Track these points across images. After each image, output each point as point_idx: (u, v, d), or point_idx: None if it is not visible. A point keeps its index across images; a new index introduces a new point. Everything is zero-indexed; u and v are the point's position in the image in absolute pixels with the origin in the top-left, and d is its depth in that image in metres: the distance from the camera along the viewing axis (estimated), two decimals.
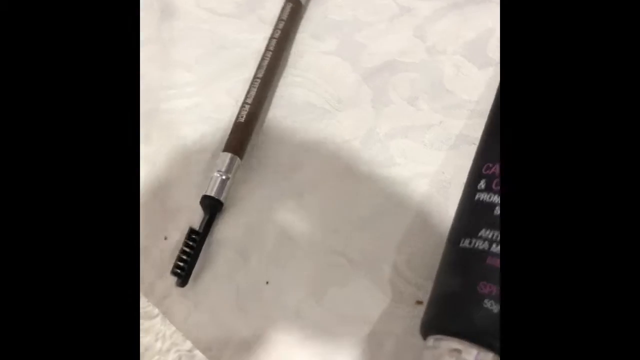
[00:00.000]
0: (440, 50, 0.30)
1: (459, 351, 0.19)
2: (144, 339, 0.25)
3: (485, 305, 0.20)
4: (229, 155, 0.28)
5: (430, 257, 0.24)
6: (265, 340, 0.24)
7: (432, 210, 0.26)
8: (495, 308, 0.20)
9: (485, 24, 0.30)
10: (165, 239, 0.28)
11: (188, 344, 0.25)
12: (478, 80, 0.28)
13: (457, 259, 0.21)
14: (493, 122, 0.25)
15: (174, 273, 0.25)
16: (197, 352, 0.25)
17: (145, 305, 0.26)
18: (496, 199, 0.22)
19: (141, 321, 0.26)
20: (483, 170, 0.23)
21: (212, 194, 0.27)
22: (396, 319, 0.24)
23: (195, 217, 0.27)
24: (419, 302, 0.24)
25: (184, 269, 0.25)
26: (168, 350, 0.25)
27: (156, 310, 0.26)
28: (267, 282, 0.25)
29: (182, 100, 0.32)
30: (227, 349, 0.24)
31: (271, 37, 0.32)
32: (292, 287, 0.25)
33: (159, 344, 0.25)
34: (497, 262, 0.20)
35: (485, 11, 0.31)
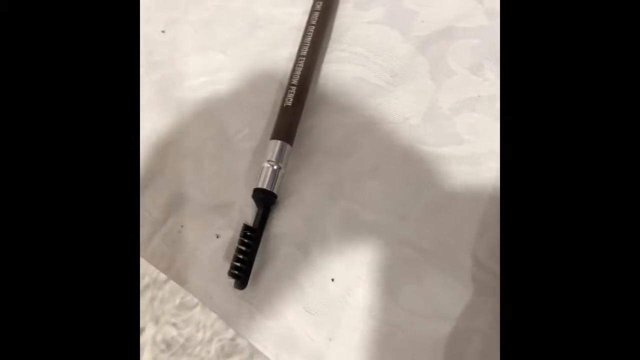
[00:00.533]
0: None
1: None
2: (184, 330, 0.24)
3: None
4: (278, 142, 0.26)
5: None
6: (339, 345, 0.22)
7: None
8: None
9: None
10: (218, 237, 0.26)
11: (230, 332, 0.23)
12: None
13: None
14: None
15: (231, 275, 0.23)
16: (241, 340, 0.23)
17: (184, 294, 0.24)
18: None
19: (181, 312, 0.24)
20: None
21: (265, 186, 0.25)
22: (481, 313, 0.21)
23: (248, 212, 0.25)
24: None
25: (242, 270, 0.23)
26: (210, 340, 0.23)
27: (195, 300, 0.24)
28: (332, 280, 0.23)
29: (219, 86, 0.30)
30: (298, 354, 0.22)
31: (312, 10, 0.29)
32: (362, 285, 0.23)
33: (200, 334, 0.24)
34: None
35: None
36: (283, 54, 0.29)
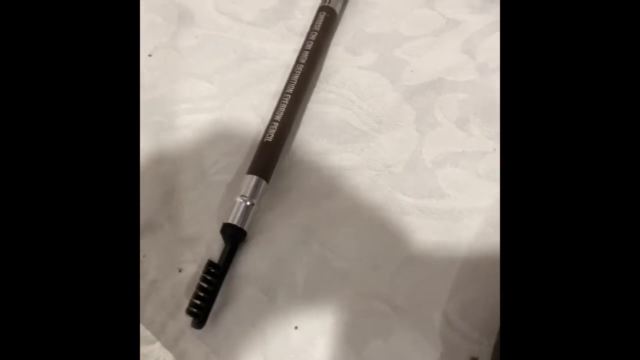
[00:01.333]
0: (493, 69, 0.27)
1: None
2: None
3: None
4: (254, 178, 0.25)
5: (486, 306, 0.21)
6: None
7: (487, 250, 0.23)
8: None
9: None
10: (180, 271, 0.24)
11: None
12: None
13: None
14: None
15: (189, 312, 0.22)
16: None
17: (143, 329, 0.23)
18: None
19: (142, 346, 0.23)
20: None
21: (235, 222, 0.24)
22: None
23: (215, 247, 0.24)
24: (474, 359, 0.20)
25: (201, 308, 0.22)
26: None
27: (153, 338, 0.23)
28: (295, 327, 0.22)
29: (200, 114, 0.29)
30: None
31: (302, 49, 0.29)
32: (326, 337, 0.22)
33: None
34: None
35: None
36: (270, 89, 0.29)
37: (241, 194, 0.24)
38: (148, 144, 0.28)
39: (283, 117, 0.26)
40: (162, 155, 0.28)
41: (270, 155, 0.25)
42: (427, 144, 0.25)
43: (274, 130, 0.26)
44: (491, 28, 0.28)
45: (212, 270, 0.23)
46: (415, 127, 0.26)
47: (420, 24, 0.30)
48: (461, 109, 0.26)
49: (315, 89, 0.29)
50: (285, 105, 0.27)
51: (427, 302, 0.22)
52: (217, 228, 0.24)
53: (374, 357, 0.21)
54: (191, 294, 0.23)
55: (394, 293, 0.22)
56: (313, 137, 0.27)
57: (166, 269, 0.24)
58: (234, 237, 0.24)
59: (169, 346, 0.23)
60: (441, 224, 0.23)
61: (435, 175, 0.24)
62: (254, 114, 0.28)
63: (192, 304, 0.22)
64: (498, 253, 0.22)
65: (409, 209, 0.24)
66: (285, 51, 0.30)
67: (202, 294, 0.22)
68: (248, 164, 0.26)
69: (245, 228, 0.24)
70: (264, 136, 0.26)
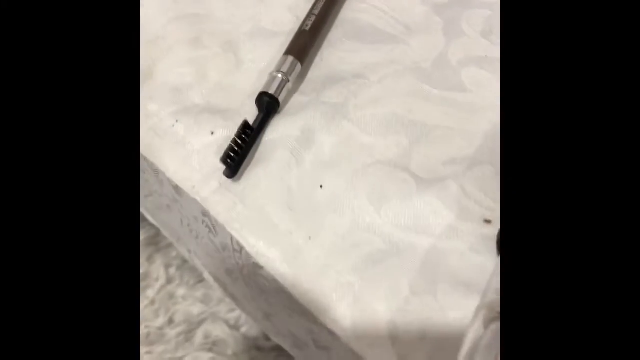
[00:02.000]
0: None
1: None
2: None
3: None
4: (290, 57, 0.26)
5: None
6: (317, 245, 0.22)
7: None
8: None
9: None
10: (212, 134, 0.26)
11: None
12: None
13: None
14: None
15: (223, 161, 0.23)
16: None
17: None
18: None
19: None
20: None
21: (271, 91, 0.25)
22: (461, 235, 0.22)
23: (248, 118, 0.25)
24: (487, 221, 0.22)
25: (234, 159, 0.23)
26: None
27: None
28: (321, 186, 0.24)
29: (240, 10, 0.30)
30: (275, 247, 0.22)
31: None
32: (349, 194, 0.23)
33: None
34: None
35: None
36: None
37: (278, 69, 0.26)
38: (183, 29, 0.29)
39: (320, 11, 0.28)
40: (200, 40, 0.29)
41: (306, 41, 0.27)
42: (453, 47, 0.27)
43: (311, 21, 0.28)
44: None
45: (247, 130, 0.24)
46: (443, 34, 0.28)
47: None
48: (486, 22, 0.28)
49: (348, 1, 0.31)
50: (321, 3, 0.28)
51: (445, 174, 0.23)
52: (250, 103, 0.26)
53: (391, 214, 0.22)
54: (222, 155, 0.24)
55: (415, 165, 0.24)
56: (345, 36, 0.29)
57: (199, 131, 0.26)
58: (269, 104, 0.25)
59: (196, 195, 0.24)
60: (462, 114, 0.25)
61: (459, 73, 0.26)
62: (289, 13, 0.30)
63: (226, 154, 0.23)
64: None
65: (434, 99, 0.26)
66: None
67: (236, 148, 0.24)
68: (281, 55, 0.27)
69: (279, 99, 0.25)
70: (302, 25, 0.28)
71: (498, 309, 0.18)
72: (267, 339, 0.42)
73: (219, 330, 0.46)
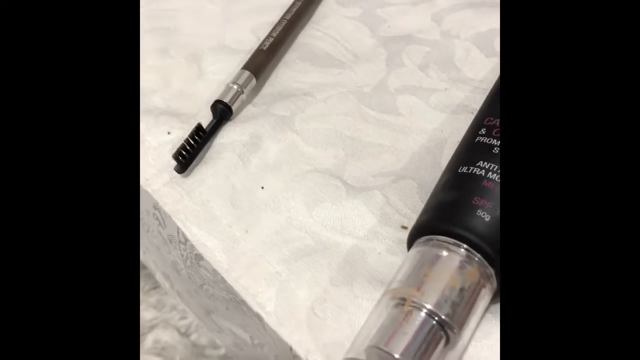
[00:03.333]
0: (454, 35, 0.33)
1: (448, 248, 0.21)
2: None
3: (478, 214, 0.21)
4: (246, 72, 0.29)
5: (421, 195, 0.26)
6: (253, 238, 0.25)
7: (426, 159, 0.27)
8: (487, 217, 0.21)
9: (496, 22, 0.34)
10: (169, 133, 0.28)
11: None
12: (484, 65, 0.31)
13: (454, 179, 0.23)
14: (496, 89, 0.28)
15: (175, 157, 0.26)
16: None
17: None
18: (496, 142, 0.24)
19: None
20: (485, 121, 0.25)
21: (225, 100, 0.28)
22: (381, 238, 0.25)
23: (203, 123, 0.28)
24: (404, 227, 0.25)
25: (185, 157, 0.26)
26: None
27: None
28: (262, 187, 0.26)
29: (207, 28, 0.34)
30: (215, 237, 0.25)
31: None
32: (287, 195, 0.26)
33: None
34: (492, 185, 0.22)
35: (497, 13, 0.34)
36: (267, 19, 0.34)
37: (234, 81, 0.29)
38: (153, 41, 0.32)
39: (278, 35, 0.31)
40: (168, 51, 0.32)
41: (262, 59, 0.30)
42: (392, 76, 0.31)
43: (269, 43, 0.31)
44: (458, 7, 0.35)
45: (200, 132, 0.27)
46: (385, 64, 0.31)
47: None
48: (424, 58, 0.32)
49: (307, 27, 0.34)
50: (281, 27, 0.32)
51: (373, 185, 0.26)
52: (206, 109, 0.29)
53: (322, 216, 0.25)
54: (176, 154, 0.26)
55: (348, 175, 0.27)
56: (299, 59, 0.32)
57: (156, 131, 0.28)
58: (222, 111, 0.28)
59: (146, 186, 0.26)
60: (394, 135, 0.28)
61: (395, 99, 0.30)
62: (251, 34, 0.33)
63: (178, 152, 0.26)
64: (434, 162, 0.27)
65: (370, 119, 0.29)
66: None
67: (187, 147, 0.26)
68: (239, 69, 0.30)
69: (232, 108, 0.28)
70: (261, 45, 0.31)
71: (400, 295, 0.20)
72: (215, 347, 0.44)
73: (168, 336, 0.47)
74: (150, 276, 0.46)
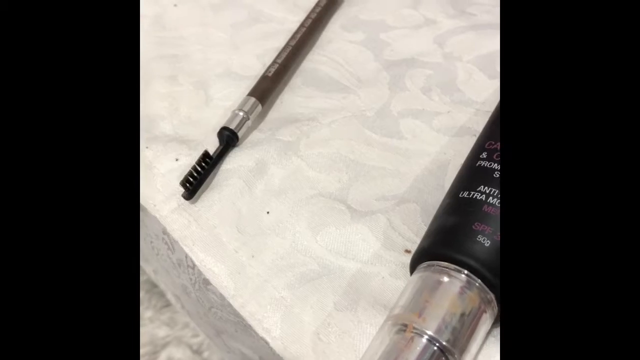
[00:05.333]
0: (456, 57, 0.33)
1: (448, 274, 0.21)
2: None
3: (478, 239, 0.21)
4: (252, 99, 0.30)
5: (424, 218, 0.26)
6: (259, 263, 0.25)
7: (430, 181, 0.28)
8: (487, 243, 0.21)
9: (498, 45, 0.34)
10: (177, 160, 0.29)
11: None
12: (486, 87, 0.32)
13: (455, 204, 0.23)
14: (497, 112, 0.28)
15: (183, 184, 0.27)
16: None
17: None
18: (496, 166, 0.24)
19: None
20: (486, 145, 0.26)
21: (231, 127, 0.29)
22: (384, 262, 0.25)
23: (210, 150, 0.29)
24: (407, 251, 0.25)
25: (192, 184, 0.27)
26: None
27: None
28: (267, 212, 0.27)
29: (214, 55, 0.34)
30: (221, 263, 0.25)
31: (307, 17, 0.35)
32: (292, 220, 0.26)
33: None
34: (492, 210, 0.22)
35: (498, 35, 0.34)
36: (273, 45, 0.34)
37: (240, 108, 0.29)
38: (162, 68, 0.33)
39: (283, 60, 0.32)
40: (176, 79, 0.33)
41: (267, 85, 0.31)
42: (395, 100, 0.31)
43: (274, 69, 0.31)
44: (460, 29, 0.35)
45: (207, 159, 0.28)
46: (388, 87, 0.32)
47: (404, 19, 0.36)
48: (426, 80, 0.32)
49: (311, 52, 0.35)
50: (286, 53, 0.32)
51: (376, 208, 0.27)
52: (214, 136, 0.29)
53: (327, 240, 0.26)
54: (182, 178, 0.27)
55: (352, 199, 0.27)
56: (304, 84, 0.33)
57: (165, 158, 0.29)
58: (229, 138, 0.29)
59: (156, 213, 0.27)
60: (397, 157, 0.29)
61: (398, 122, 0.30)
62: (257, 61, 0.34)
63: (185, 179, 0.27)
64: (438, 185, 0.28)
65: (374, 143, 0.29)
66: (291, 21, 0.36)
67: (194, 174, 0.27)
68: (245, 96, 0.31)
69: (238, 134, 0.29)
70: (266, 71, 0.31)
71: (401, 321, 0.21)
72: None
73: (181, 354, 0.48)
74: (163, 294, 0.47)
